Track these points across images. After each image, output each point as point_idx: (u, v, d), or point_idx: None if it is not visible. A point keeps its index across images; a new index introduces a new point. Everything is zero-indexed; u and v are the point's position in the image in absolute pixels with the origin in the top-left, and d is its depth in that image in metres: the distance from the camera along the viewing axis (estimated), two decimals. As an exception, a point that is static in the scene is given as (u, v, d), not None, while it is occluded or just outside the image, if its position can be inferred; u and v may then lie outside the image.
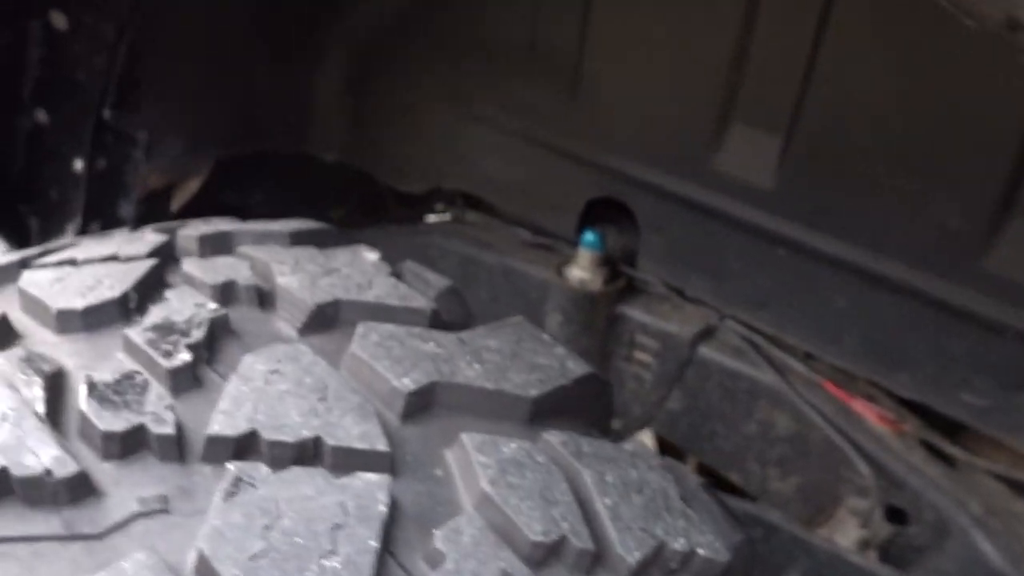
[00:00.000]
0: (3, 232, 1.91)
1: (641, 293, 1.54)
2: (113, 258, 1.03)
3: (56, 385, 0.78)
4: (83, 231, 1.77)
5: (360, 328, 0.90)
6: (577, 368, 0.95)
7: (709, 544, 0.80)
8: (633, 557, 0.75)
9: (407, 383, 0.84)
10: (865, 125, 1.19)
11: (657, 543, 0.77)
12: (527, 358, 0.94)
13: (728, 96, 1.31)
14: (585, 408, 0.97)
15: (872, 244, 1.23)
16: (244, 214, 2.25)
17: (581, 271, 1.53)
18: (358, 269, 1.04)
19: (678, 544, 0.79)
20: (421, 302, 0.99)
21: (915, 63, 1.12)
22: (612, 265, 1.54)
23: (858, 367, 1.30)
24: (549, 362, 0.95)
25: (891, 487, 1.26)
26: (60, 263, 1.02)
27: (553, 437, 0.84)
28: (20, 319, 0.89)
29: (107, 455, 0.71)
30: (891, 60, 1.14)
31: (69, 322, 0.87)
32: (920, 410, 1.30)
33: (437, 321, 0.99)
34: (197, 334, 0.85)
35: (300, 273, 1.00)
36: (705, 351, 1.44)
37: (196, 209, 2.09)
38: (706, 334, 1.45)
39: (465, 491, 0.78)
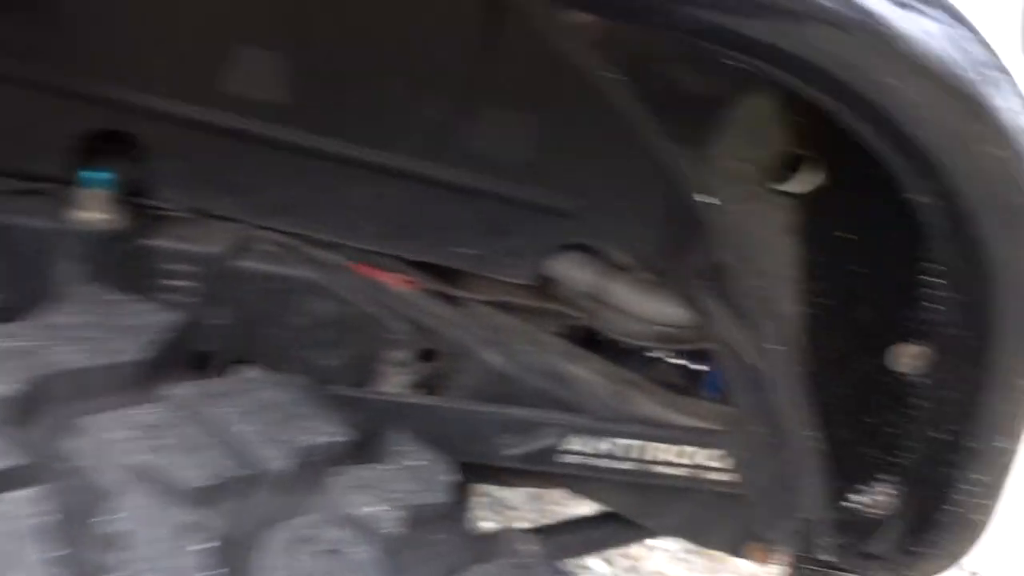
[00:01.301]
0: None
1: (165, 222, 1.53)
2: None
3: None
4: None
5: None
6: (172, 317, 0.99)
7: (338, 431, 0.96)
8: (282, 464, 0.88)
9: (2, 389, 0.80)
10: (361, 40, 1.36)
11: (300, 446, 0.91)
12: (119, 322, 0.95)
13: (232, 17, 1.34)
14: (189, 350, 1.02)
15: (374, 141, 1.44)
16: None
17: (89, 212, 1.45)
18: None
19: (319, 440, 0.93)
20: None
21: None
22: (126, 200, 1.48)
23: (377, 245, 1.54)
24: (142, 320, 0.96)
25: (419, 334, 1.56)
26: None
27: (179, 390, 0.90)
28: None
29: None
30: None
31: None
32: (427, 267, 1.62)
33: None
34: None
35: None
36: (242, 263, 1.52)
37: None
38: (239, 247, 1.53)
39: (110, 471, 0.80)
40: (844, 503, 1.04)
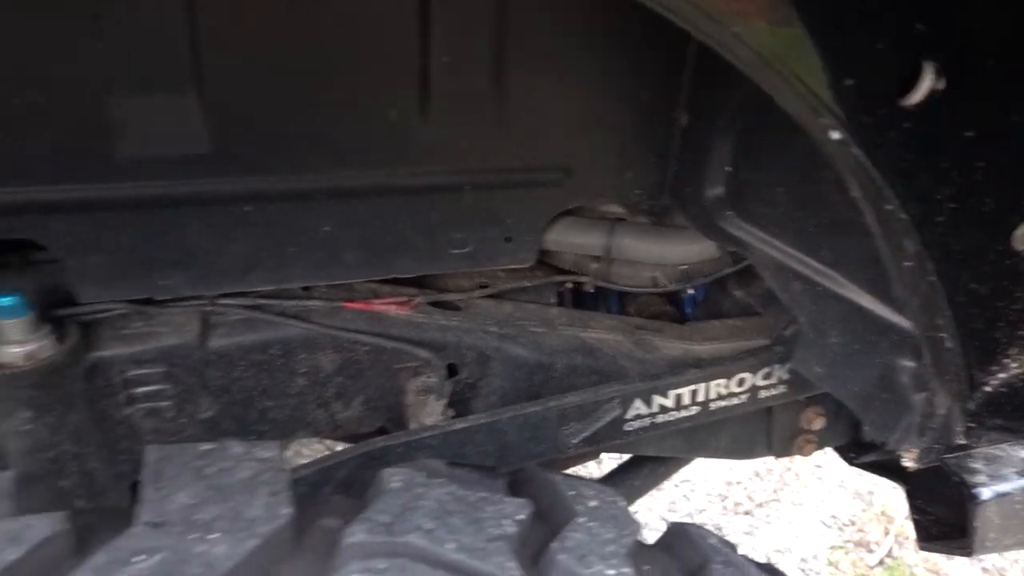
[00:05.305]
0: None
1: (106, 327, 1.25)
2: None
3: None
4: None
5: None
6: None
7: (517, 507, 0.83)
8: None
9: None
10: (275, 57, 1.13)
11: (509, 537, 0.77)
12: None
13: (101, 67, 1.07)
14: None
15: (331, 164, 1.23)
16: None
17: (19, 346, 1.15)
18: None
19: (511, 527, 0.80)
20: None
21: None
22: (48, 316, 1.20)
23: (365, 274, 1.35)
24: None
25: (442, 353, 1.40)
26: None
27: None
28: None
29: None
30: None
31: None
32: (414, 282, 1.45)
33: None
34: None
35: None
36: (217, 343, 1.29)
37: None
38: (208, 326, 1.29)
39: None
40: (979, 386, 1.05)
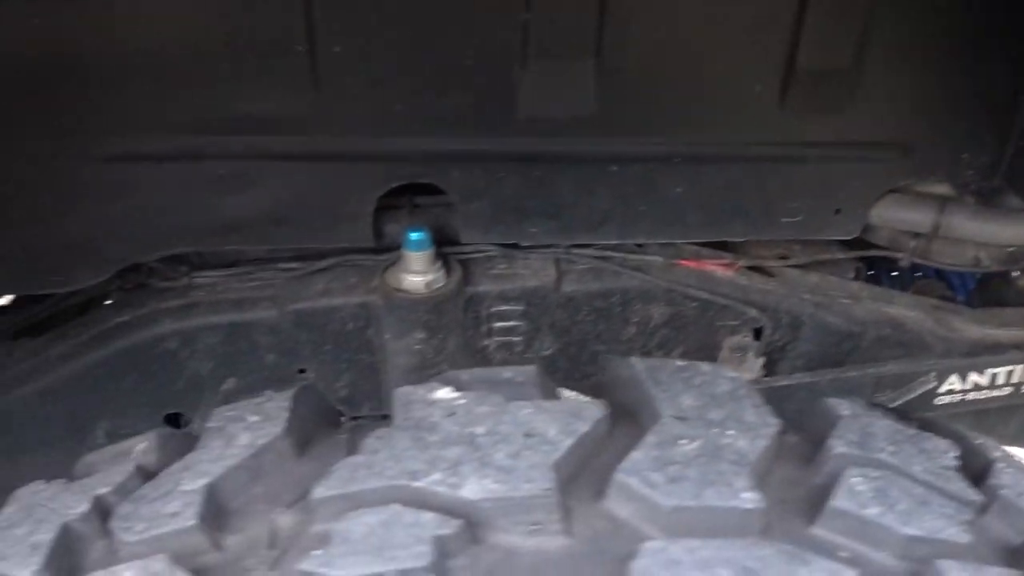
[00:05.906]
0: None
1: (477, 265, 1.42)
2: None
3: None
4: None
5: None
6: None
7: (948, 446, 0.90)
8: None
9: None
10: (666, 29, 1.24)
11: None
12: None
13: (518, 34, 1.21)
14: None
15: (692, 130, 1.34)
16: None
17: (421, 275, 1.33)
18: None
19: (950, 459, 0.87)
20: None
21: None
22: (440, 252, 1.37)
23: (702, 234, 1.46)
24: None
25: (763, 314, 1.49)
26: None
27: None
28: None
29: None
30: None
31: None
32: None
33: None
34: None
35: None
36: (569, 288, 1.43)
37: None
38: (560, 273, 1.43)
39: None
40: None
